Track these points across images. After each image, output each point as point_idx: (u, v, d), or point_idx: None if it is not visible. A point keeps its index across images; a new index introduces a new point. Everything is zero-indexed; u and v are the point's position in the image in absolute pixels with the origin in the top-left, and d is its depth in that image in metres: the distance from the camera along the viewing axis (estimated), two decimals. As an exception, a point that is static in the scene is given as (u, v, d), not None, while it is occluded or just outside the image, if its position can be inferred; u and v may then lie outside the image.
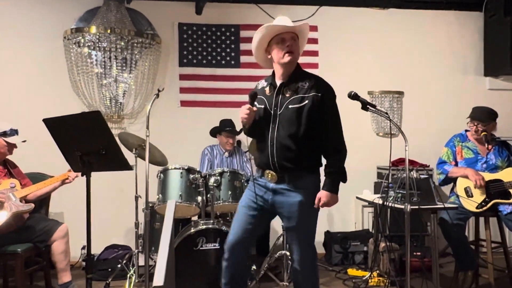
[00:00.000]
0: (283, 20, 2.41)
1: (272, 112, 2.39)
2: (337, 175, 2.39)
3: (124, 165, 2.46)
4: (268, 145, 2.38)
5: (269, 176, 2.41)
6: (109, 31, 4.19)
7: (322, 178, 2.45)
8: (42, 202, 3.64)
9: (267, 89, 2.47)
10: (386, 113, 2.68)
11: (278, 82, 2.44)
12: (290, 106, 2.35)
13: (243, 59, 4.73)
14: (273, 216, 2.56)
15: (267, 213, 2.49)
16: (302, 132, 2.34)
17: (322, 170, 2.48)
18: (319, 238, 4.57)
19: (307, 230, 2.43)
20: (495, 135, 3.61)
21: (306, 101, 2.34)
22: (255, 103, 2.43)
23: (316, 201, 2.38)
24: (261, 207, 2.45)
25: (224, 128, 4.14)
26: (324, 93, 2.37)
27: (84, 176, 2.43)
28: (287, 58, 2.36)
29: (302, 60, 2.58)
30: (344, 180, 2.42)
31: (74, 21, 4.41)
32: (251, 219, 2.44)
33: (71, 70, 4.40)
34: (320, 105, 2.35)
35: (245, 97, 2.42)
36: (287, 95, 2.38)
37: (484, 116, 3.52)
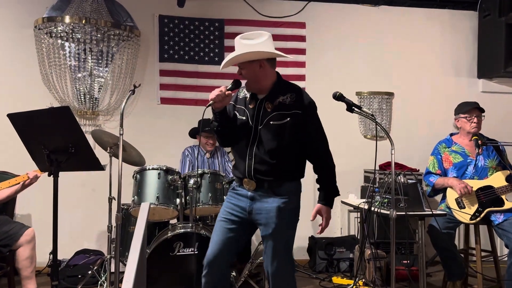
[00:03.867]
0: (238, 44, 2.36)
1: (253, 126, 2.41)
2: (332, 190, 2.47)
3: (95, 165, 2.42)
4: (247, 158, 2.40)
5: (248, 185, 2.43)
6: (84, 21, 4.13)
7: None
8: (7, 203, 3.56)
9: (249, 100, 2.47)
10: (372, 115, 2.68)
11: (260, 96, 2.44)
12: (271, 123, 2.38)
13: (227, 55, 4.68)
14: (253, 228, 2.54)
15: (246, 225, 2.47)
16: (282, 148, 2.38)
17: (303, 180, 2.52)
18: (303, 243, 4.58)
19: (284, 239, 2.42)
20: (483, 135, 3.63)
21: (288, 119, 2.36)
22: (236, 111, 2.46)
23: (313, 213, 2.46)
24: (240, 219, 2.45)
25: (203, 128, 4.11)
26: (306, 109, 2.40)
27: (52, 176, 2.38)
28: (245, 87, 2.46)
29: (289, 59, 2.58)
30: (337, 195, 2.50)
31: (46, 10, 4.31)
32: (230, 233, 2.43)
33: (42, 62, 4.33)
34: (302, 122, 2.39)
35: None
36: (268, 110, 2.40)
37: (476, 105, 3.55)
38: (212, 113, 2.41)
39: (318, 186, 2.49)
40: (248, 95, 2.49)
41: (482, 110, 3.56)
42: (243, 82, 2.51)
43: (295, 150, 2.42)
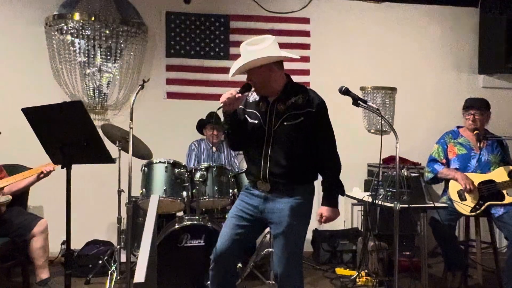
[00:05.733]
0: (244, 52, 2.35)
1: (266, 128, 2.38)
2: (335, 189, 2.42)
3: (106, 158, 2.42)
4: (262, 161, 2.38)
5: (262, 186, 2.41)
6: (93, 18, 4.15)
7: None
8: (21, 195, 3.59)
9: (260, 103, 2.45)
10: (378, 109, 2.68)
11: (271, 98, 2.42)
12: (285, 123, 2.35)
13: (233, 50, 4.70)
14: (264, 227, 2.53)
15: (257, 223, 2.46)
16: (297, 149, 2.36)
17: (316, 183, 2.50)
18: (308, 235, 4.56)
19: (295, 239, 2.38)
20: (489, 131, 3.63)
21: (302, 118, 2.34)
22: (247, 116, 2.45)
23: (317, 217, 2.41)
24: (251, 217, 2.43)
25: (208, 120, 4.14)
26: (318, 108, 2.37)
27: (65, 168, 2.40)
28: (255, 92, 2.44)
29: (293, 53, 2.58)
30: (343, 193, 2.46)
31: (57, 7, 4.33)
32: (239, 229, 2.42)
33: (52, 58, 4.35)
34: (314, 121, 2.36)
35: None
36: (281, 112, 2.37)
37: (479, 104, 3.54)
38: (223, 115, 2.40)
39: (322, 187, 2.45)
40: (258, 99, 2.46)
41: (481, 108, 3.54)
42: (252, 96, 2.51)
43: (309, 151, 2.39)
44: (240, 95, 2.33)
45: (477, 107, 3.53)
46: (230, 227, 2.44)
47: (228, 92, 2.31)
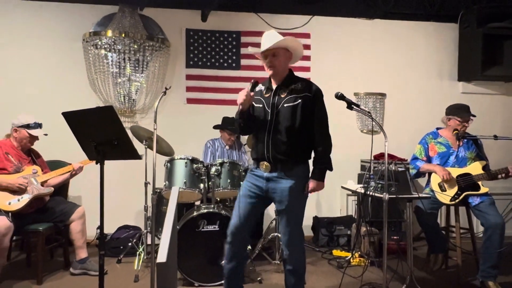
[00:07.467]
0: (266, 36, 2.42)
1: (269, 111, 2.44)
2: (324, 165, 2.46)
3: (134, 155, 2.43)
4: (265, 139, 2.43)
5: (264, 167, 2.46)
6: (123, 35, 4.17)
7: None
8: (62, 186, 3.63)
9: (264, 91, 2.52)
10: (369, 112, 2.67)
11: (274, 85, 2.49)
12: (285, 105, 2.41)
13: (243, 62, 4.71)
14: (268, 202, 2.58)
15: (262, 200, 2.52)
16: (295, 127, 2.40)
17: (310, 162, 2.52)
18: (308, 222, 4.58)
19: (296, 212, 2.46)
20: (467, 132, 3.58)
21: (299, 101, 2.40)
22: (253, 102, 2.48)
23: (306, 189, 2.45)
24: (257, 195, 2.49)
25: (228, 126, 4.13)
26: (315, 93, 2.44)
27: (99, 164, 2.41)
28: (269, 72, 2.46)
29: (295, 63, 2.60)
30: (331, 168, 2.48)
31: (92, 26, 4.37)
32: (249, 206, 2.49)
33: (89, 69, 4.38)
34: (311, 104, 2.42)
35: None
36: (283, 96, 2.44)
37: (469, 112, 3.50)
38: (239, 113, 2.39)
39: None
40: (263, 88, 2.53)
41: (473, 115, 3.52)
42: (258, 87, 2.54)
43: (306, 131, 2.42)
44: (252, 93, 2.39)
45: (471, 114, 3.49)
46: (242, 206, 2.49)
47: (242, 93, 2.34)
